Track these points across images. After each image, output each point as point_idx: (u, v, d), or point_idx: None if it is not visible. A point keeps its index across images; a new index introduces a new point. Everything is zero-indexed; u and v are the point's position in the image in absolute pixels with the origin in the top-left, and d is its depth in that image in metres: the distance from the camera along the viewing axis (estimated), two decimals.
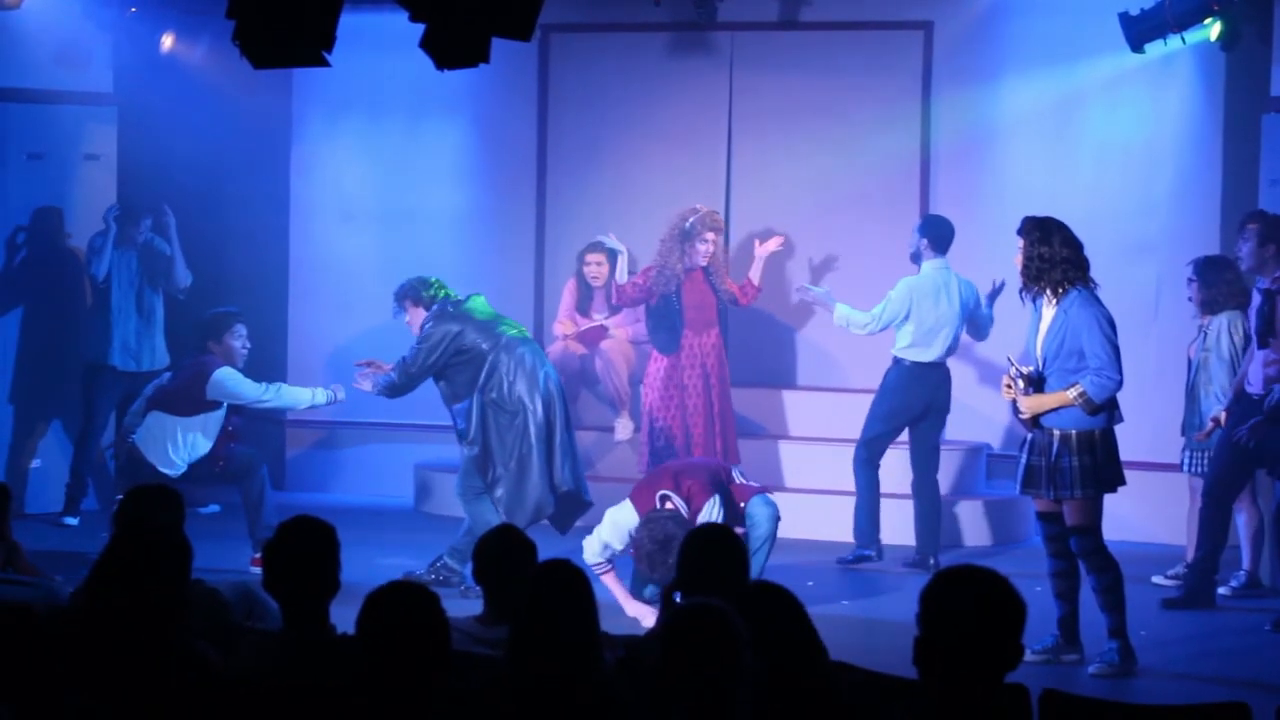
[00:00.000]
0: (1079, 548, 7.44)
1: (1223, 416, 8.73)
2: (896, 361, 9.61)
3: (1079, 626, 7.55)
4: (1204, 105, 10.51)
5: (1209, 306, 8.95)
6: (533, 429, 8.62)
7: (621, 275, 10.44)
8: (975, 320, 9.71)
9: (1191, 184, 10.54)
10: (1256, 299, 8.61)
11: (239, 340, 9.17)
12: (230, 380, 9.01)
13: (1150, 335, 10.38)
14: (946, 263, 9.60)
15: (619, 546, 8.08)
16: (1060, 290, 7.36)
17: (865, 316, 9.66)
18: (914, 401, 9.56)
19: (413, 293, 8.89)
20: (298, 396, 9.23)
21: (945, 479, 10.33)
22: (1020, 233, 7.46)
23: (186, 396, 9.01)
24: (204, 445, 9.06)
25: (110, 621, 4.37)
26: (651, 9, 10.93)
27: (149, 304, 10.56)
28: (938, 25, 11.04)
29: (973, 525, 10.31)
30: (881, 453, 9.65)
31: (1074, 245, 7.38)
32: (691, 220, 9.87)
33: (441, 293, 8.87)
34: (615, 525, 8.09)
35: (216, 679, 4.39)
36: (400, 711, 4.00)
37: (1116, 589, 7.42)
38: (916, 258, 9.67)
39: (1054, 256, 7.34)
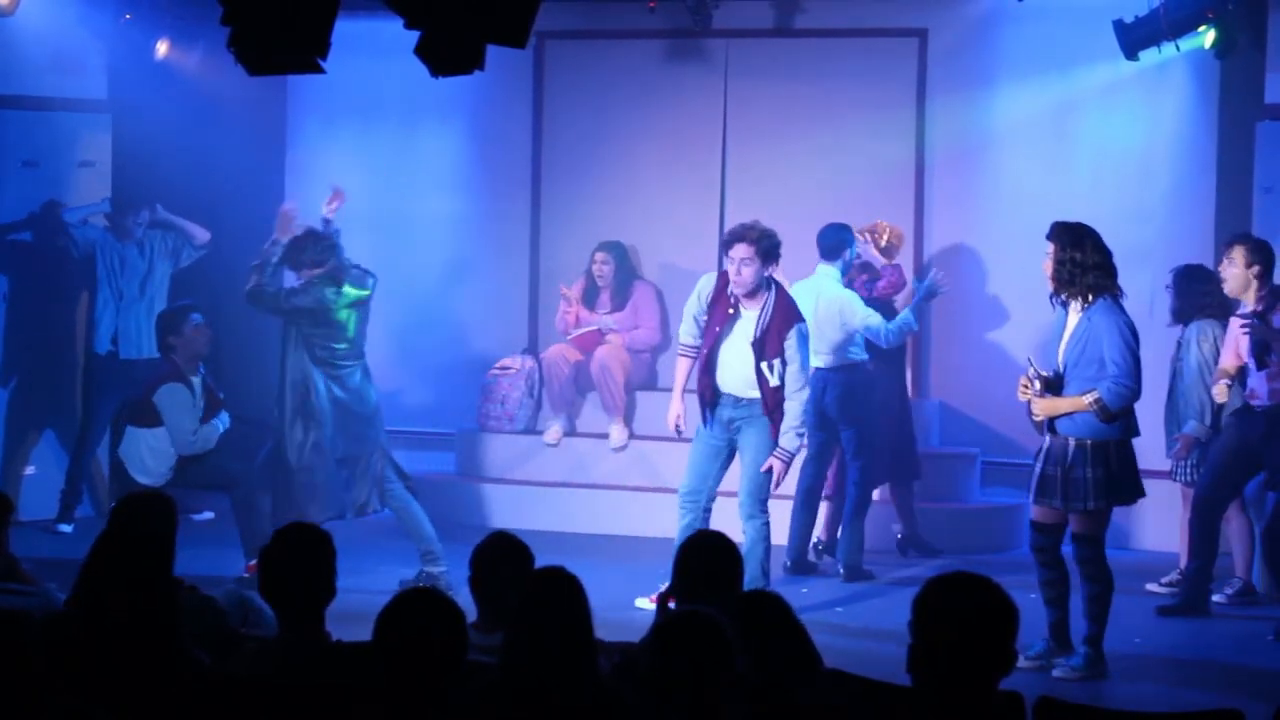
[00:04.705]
0: (1078, 556, 7.45)
1: (1193, 436, 8.77)
2: None
3: (1070, 632, 7.57)
4: (1198, 113, 10.53)
5: (1179, 316, 9.00)
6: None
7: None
8: (865, 330, 9.46)
9: (1186, 191, 10.55)
10: (1241, 323, 8.55)
11: (199, 331, 9.14)
12: (169, 403, 8.95)
13: (1145, 342, 10.22)
14: (829, 269, 9.47)
15: (700, 307, 8.36)
16: (1090, 297, 7.35)
17: None
18: (812, 405, 9.41)
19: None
20: (211, 436, 9.07)
21: (939, 486, 10.32)
22: (1050, 238, 7.45)
23: (149, 408, 8.99)
24: (173, 455, 9.01)
25: (102, 625, 4.37)
26: (647, 16, 10.95)
27: (151, 294, 10.60)
28: (933, 33, 11.05)
29: (966, 532, 10.29)
30: (813, 458, 9.50)
31: (1104, 251, 7.40)
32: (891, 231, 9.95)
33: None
34: (698, 294, 8.42)
35: (212, 685, 4.39)
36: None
37: (1104, 600, 7.43)
38: None
39: (1086, 262, 7.35)
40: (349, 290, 8.84)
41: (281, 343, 8.87)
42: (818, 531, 9.78)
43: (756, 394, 8.19)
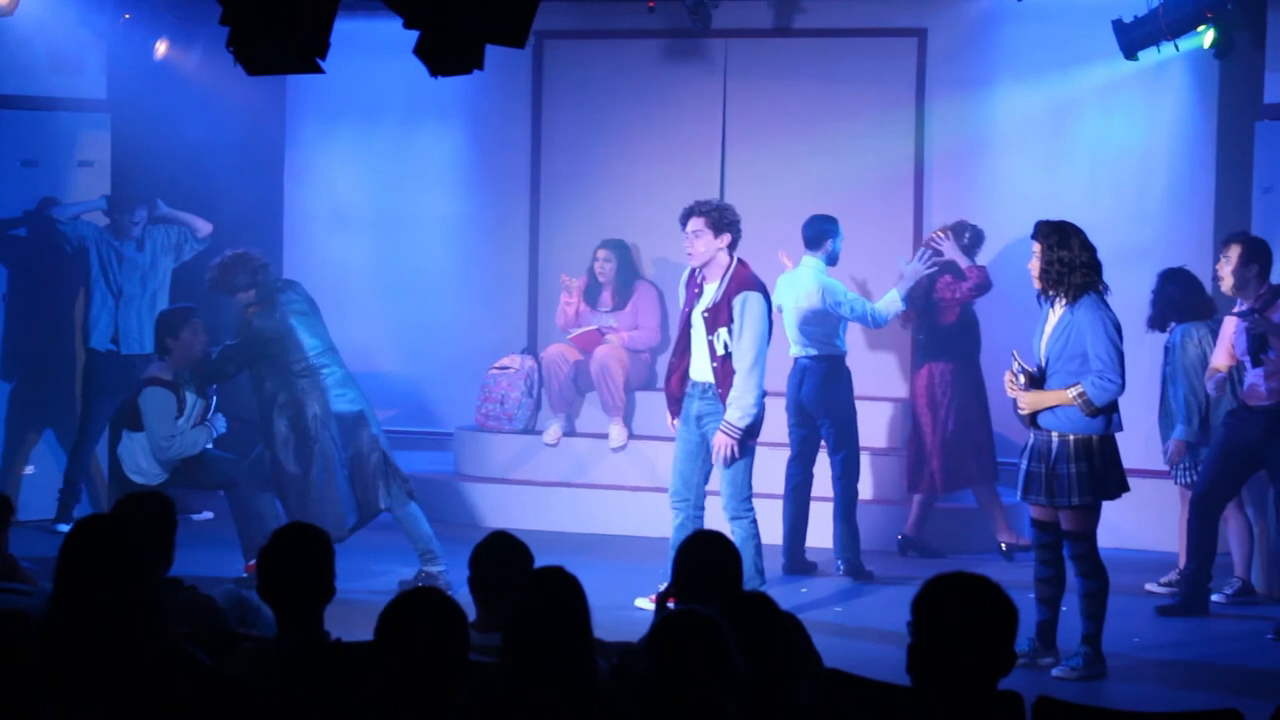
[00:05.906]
0: (1071, 552, 7.47)
1: (1183, 440, 8.78)
2: None
3: (1057, 632, 7.59)
4: (1197, 112, 10.53)
5: (1154, 322, 9.01)
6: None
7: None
8: (851, 314, 9.52)
9: (1185, 191, 10.55)
10: (1240, 322, 8.54)
11: (196, 335, 9.14)
12: (150, 405, 8.92)
13: (1143, 342, 10.35)
14: (812, 259, 9.55)
15: (683, 298, 8.41)
16: (1078, 294, 7.36)
17: None
18: (791, 399, 9.52)
19: None
20: (195, 441, 9.01)
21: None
22: (1036, 237, 7.45)
23: (136, 410, 8.98)
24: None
25: (98, 625, 4.36)
26: (646, 16, 10.96)
27: (153, 289, 10.61)
28: (931, 32, 11.05)
29: (966, 532, 10.29)
30: (796, 456, 9.56)
31: (1090, 249, 7.40)
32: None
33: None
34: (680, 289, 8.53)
35: (210, 685, 4.38)
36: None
37: (1099, 597, 7.44)
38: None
39: (1073, 261, 7.35)
40: (281, 304, 8.84)
41: (253, 374, 8.88)
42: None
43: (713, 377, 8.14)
